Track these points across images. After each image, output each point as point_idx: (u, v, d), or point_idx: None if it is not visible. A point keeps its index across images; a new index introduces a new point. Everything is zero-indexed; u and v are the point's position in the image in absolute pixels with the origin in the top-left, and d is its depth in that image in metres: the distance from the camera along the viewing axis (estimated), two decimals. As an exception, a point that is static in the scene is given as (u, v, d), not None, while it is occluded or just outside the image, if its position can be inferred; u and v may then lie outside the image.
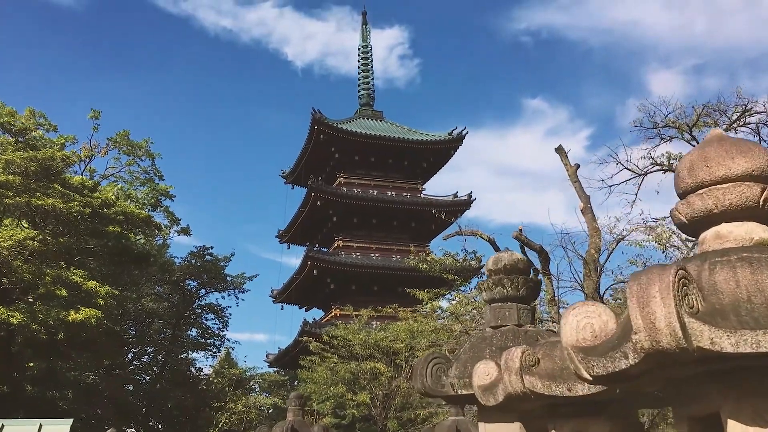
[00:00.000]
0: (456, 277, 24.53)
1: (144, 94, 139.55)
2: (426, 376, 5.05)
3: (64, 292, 16.30)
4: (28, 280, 16.38)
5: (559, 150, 20.39)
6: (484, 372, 3.89)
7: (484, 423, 5.16)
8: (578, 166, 20.26)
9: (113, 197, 20.81)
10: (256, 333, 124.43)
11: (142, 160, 35.23)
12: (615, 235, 18.08)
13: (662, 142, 24.99)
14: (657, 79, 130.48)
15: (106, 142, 32.78)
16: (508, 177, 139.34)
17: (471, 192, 47.67)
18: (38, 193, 16.80)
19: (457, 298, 22.56)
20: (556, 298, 18.53)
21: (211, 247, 38.97)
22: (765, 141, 22.83)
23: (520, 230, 18.96)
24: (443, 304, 27.22)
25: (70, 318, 16.04)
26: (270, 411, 35.63)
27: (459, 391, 4.98)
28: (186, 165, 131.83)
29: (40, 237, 16.49)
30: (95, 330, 17.16)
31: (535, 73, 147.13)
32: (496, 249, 22.65)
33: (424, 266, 23.49)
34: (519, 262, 5.45)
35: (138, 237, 29.14)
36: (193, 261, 38.82)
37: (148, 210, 31.89)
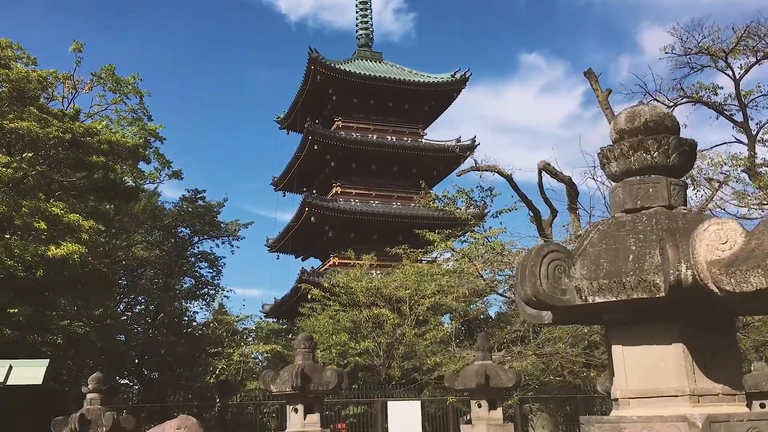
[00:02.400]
0: (470, 216, 22.97)
1: (132, 44, 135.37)
2: (539, 276, 3.40)
3: (42, 225, 14.57)
4: (2, 211, 14.63)
5: (589, 74, 18.64)
6: (717, 238, 2.24)
7: (621, 346, 3.54)
8: (610, 91, 18.53)
9: (97, 128, 18.92)
10: (249, 288, 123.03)
11: (128, 99, 33.06)
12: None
13: (692, 71, 23.17)
14: (651, 37, 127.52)
15: (90, 77, 30.60)
16: (504, 133, 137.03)
17: (474, 137, 45.79)
18: (11, 116, 14.97)
19: (473, 238, 20.96)
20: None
21: (204, 191, 37.11)
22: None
23: (547, 163, 17.31)
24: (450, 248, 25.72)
25: (49, 253, 14.36)
26: (265, 363, 34.34)
27: (589, 298, 3.34)
28: (176, 120, 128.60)
29: (15, 165, 14.71)
30: (79, 268, 15.54)
31: (533, 27, 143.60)
32: (514, 186, 20.94)
33: (435, 204, 21.90)
34: (666, 118, 3.76)
35: (125, 177, 27.33)
36: (185, 206, 37.06)
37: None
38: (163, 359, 26.27)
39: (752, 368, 14.73)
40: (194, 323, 33.02)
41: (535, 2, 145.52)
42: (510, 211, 21.78)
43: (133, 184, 25.77)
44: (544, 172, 17.03)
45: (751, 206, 18.22)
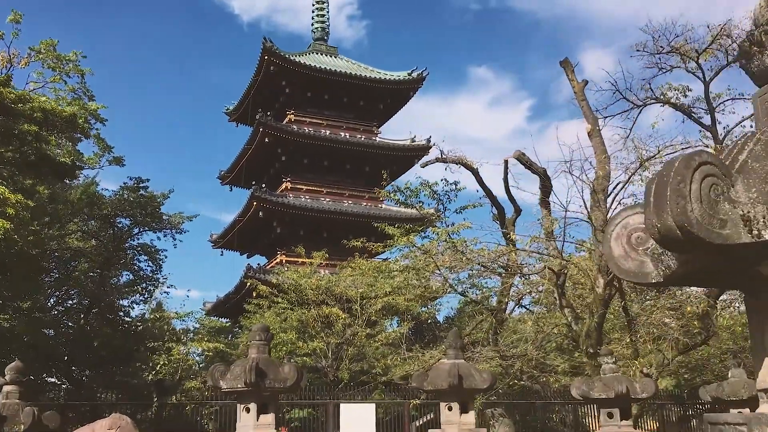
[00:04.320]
0: (427, 216, 21.96)
1: (75, 35, 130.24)
2: (690, 197, 2.25)
3: (-40, 197, 12.80)
4: None
5: (565, 63, 17.80)
6: None
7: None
8: (586, 82, 17.71)
9: (30, 95, 17.10)
10: (191, 289, 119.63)
11: (69, 77, 30.89)
12: (638, 157, 15.57)
13: (660, 72, 22.61)
14: (590, 58, 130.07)
15: (28, 51, 28.42)
16: (454, 144, 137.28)
17: (430, 137, 44.87)
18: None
19: (435, 234, 19.92)
20: (563, 231, 16.04)
21: (147, 180, 34.99)
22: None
23: (521, 153, 16.38)
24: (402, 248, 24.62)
25: (-33, 228, 12.61)
26: (203, 365, 32.49)
27: (765, 233, 2.22)
28: (121, 118, 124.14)
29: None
30: (4, 248, 13.78)
31: (483, 41, 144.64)
32: (479, 181, 19.97)
33: (397, 197, 20.80)
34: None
35: (62, 159, 25.30)
36: (125, 195, 34.90)
37: (76, 135, 27.91)
38: (96, 354, 24.36)
39: (729, 375, 14.06)
40: (131, 317, 31.02)
41: (486, 17, 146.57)
42: (474, 207, 20.89)
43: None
44: (519, 163, 16.08)
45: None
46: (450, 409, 11.56)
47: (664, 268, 2.75)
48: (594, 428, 20.71)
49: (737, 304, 17.07)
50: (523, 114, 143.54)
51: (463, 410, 11.58)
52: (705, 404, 21.16)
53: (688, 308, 14.77)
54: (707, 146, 21.22)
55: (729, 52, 20.79)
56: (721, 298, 16.82)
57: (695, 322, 14.47)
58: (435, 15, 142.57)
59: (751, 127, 22.02)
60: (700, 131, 22.30)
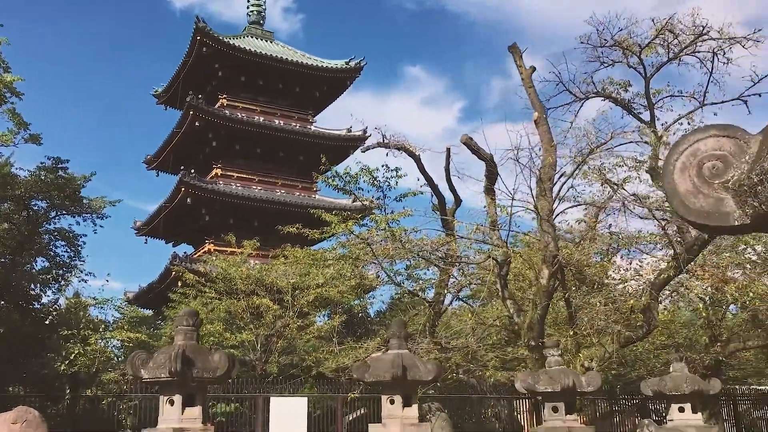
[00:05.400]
0: (363, 206, 21.25)
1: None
2: None
3: None
4: None
5: (513, 49, 17.33)
6: None
7: None
8: (534, 68, 17.29)
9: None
10: (111, 278, 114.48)
11: (-19, 49, 28.68)
12: (583, 148, 15.21)
13: (602, 66, 22.47)
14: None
15: (-64, 17, 26.20)
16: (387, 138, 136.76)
17: (366, 128, 43.86)
18: None
19: (373, 222, 19.18)
20: (508, 220, 15.53)
21: (67, 161, 32.90)
22: (714, 75, 20.89)
23: (469, 137, 15.80)
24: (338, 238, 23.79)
25: None
26: (122, 358, 30.76)
27: None
28: (43, 102, 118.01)
29: None
30: None
31: (418, 40, 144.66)
32: (421, 168, 19.35)
33: (335, 183, 19.93)
34: None
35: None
36: (42, 175, 32.76)
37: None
38: (5, 343, 22.59)
39: (671, 369, 13.88)
40: (43, 304, 29.11)
41: (422, 17, 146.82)
42: (415, 195, 20.25)
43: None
44: (468, 148, 15.50)
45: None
46: (392, 402, 10.85)
47: (757, 205, 2.06)
48: (528, 424, 20.37)
49: (677, 296, 17.04)
50: (455, 115, 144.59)
51: (406, 403, 10.90)
52: (636, 399, 21.24)
53: (632, 301, 14.56)
54: (646, 142, 21.22)
55: (671, 48, 20.83)
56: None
57: (639, 315, 14.23)
58: (371, 11, 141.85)
59: (689, 124, 22.05)
60: (639, 127, 22.33)
